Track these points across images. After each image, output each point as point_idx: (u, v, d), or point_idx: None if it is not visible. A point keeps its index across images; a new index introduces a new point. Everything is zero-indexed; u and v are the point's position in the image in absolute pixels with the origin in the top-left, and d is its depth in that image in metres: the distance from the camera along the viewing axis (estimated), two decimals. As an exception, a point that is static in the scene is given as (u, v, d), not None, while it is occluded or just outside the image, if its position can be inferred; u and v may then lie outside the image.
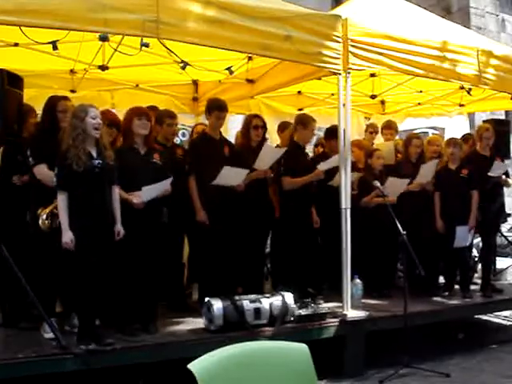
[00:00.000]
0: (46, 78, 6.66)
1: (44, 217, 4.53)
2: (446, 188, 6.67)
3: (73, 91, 6.91)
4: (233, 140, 6.73)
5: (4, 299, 5.10)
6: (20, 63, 5.88)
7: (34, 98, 5.58)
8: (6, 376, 4.02)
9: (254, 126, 6.09)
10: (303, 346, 2.28)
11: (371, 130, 8.07)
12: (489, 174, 6.75)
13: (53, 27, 4.24)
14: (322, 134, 7.48)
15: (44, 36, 4.72)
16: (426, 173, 6.65)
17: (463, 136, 7.63)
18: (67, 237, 4.24)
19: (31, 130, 5.21)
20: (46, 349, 4.32)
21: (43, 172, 4.77)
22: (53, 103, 5.00)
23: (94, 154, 4.42)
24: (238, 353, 2.19)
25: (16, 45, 5.65)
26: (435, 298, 6.58)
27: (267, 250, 6.62)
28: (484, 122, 7.81)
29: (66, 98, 5.12)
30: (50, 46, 4.78)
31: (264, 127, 6.21)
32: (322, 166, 6.07)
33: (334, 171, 6.01)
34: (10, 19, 4.04)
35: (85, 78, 6.73)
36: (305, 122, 6.28)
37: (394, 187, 6.36)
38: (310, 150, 7.26)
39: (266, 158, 5.86)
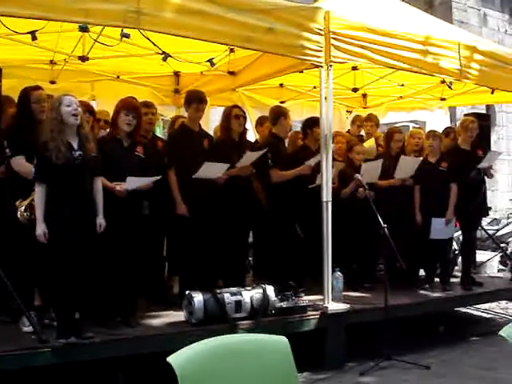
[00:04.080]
0: (25, 69, 6.60)
1: (22, 209, 4.47)
2: (425, 181, 6.69)
3: (52, 82, 6.85)
4: (213, 133, 6.70)
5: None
6: (-2, 53, 5.82)
7: (13, 88, 5.49)
8: (-16, 370, 3.98)
9: (234, 115, 6.03)
10: (283, 339, 2.28)
11: (358, 122, 8.05)
12: (481, 164, 6.78)
13: (33, 17, 4.20)
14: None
15: (23, 26, 4.67)
16: (406, 168, 6.64)
17: (445, 129, 7.66)
18: (40, 229, 4.19)
19: (8, 121, 5.13)
20: (25, 342, 4.28)
21: (21, 164, 4.71)
22: (26, 94, 4.93)
23: (75, 145, 4.35)
24: (217, 346, 2.17)
25: (-6, 35, 5.58)
26: (416, 291, 6.61)
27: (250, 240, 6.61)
28: (465, 115, 7.85)
29: (38, 88, 5.04)
30: (29, 36, 4.73)
31: (244, 117, 6.18)
32: (310, 162, 6.06)
33: (314, 174, 6.04)
34: (-10, 9, 3.99)
35: (64, 68, 6.68)
36: (282, 113, 6.29)
37: (370, 171, 6.39)
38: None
39: (248, 162, 5.87)
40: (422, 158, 6.82)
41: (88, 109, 5.37)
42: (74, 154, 4.31)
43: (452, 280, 7.05)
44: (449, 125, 8.79)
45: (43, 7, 4.04)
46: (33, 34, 4.69)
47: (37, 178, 4.28)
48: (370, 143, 7.63)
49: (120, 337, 4.56)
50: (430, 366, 5.31)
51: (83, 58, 6.08)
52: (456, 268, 7.86)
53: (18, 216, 4.48)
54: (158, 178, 4.91)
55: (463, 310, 7.69)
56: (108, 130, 5.35)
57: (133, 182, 4.72)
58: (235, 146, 5.92)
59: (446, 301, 6.67)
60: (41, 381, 4.44)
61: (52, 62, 6.74)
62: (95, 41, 5.10)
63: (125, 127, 4.88)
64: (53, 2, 4.08)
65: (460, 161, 6.78)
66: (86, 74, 7.03)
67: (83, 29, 4.59)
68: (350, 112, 9.18)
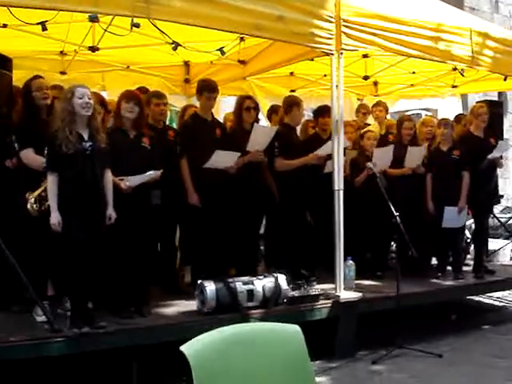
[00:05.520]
0: (35, 60, 6.63)
1: (32, 200, 4.50)
2: (437, 169, 6.67)
3: (63, 73, 6.88)
4: (222, 122, 6.68)
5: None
6: (9, 44, 5.84)
7: (23, 79, 5.48)
8: (-3, 359, 4.02)
9: (245, 107, 6.02)
10: (296, 328, 2.27)
11: (364, 110, 8.05)
12: (492, 154, 6.72)
13: (42, 8, 4.18)
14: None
15: (33, 17, 4.66)
16: (413, 157, 6.62)
17: (455, 116, 7.61)
18: (54, 218, 4.22)
19: (20, 112, 5.15)
20: (39, 332, 4.31)
21: (29, 156, 4.74)
22: (27, 85, 4.96)
23: (86, 136, 4.36)
24: (230, 334, 2.18)
25: (5, 26, 5.60)
26: (428, 280, 6.59)
27: (261, 231, 6.61)
28: (477, 103, 7.80)
29: (38, 77, 5.04)
30: (40, 26, 4.72)
31: (256, 108, 6.16)
32: (319, 152, 6.03)
33: (325, 159, 6.02)
34: (-1, 0, 3.99)
35: (75, 59, 6.69)
36: (296, 103, 6.26)
37: (382, 158, 6.37)
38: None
39: (259, 140, 5.81)
40: (425, 146, 6.82)
41: (101, 101, 5.37)
42: (84, 145, 4.32)
43: (464, 268, 7.02)
44: (461, 112, 8.73)
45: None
46: (43, 24, 4.68)
47: (48, 168, 4.32)
48: (373, 127, 7.64)
49: (133, 326, 4.58)
50: (442, 354, 5.30)
51: (93, 49, 6.10)
52: (468, 256, 7.84)
53: (28, 208, 4.51)
54: (158, 173, 4.85)
55: (475, 298, 7.67)
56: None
57: (135, 180, 4.72)
58: (247, 135, 5.89)
59: (458, 289, 6.66)
60: (54, 370, 4.47)
61: (62, 53, 6.76)
62: (105, 31, 5.08)
63: (127, 114, 4.87)
64: (62, -9, 4.07)
65: (472, 148, 6.74)
66: (96, 64, 7.04)
67: (93, 19, 4.58)
68: (361, 100, 9.14)
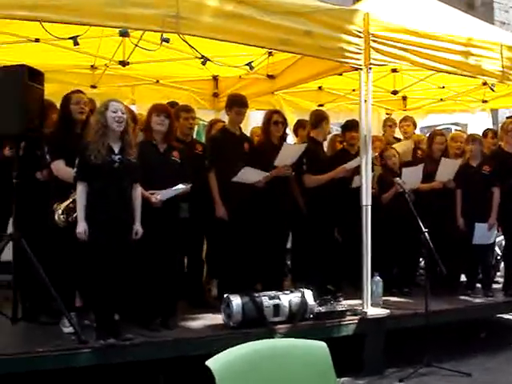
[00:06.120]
0: (66, 74, 6.74)
1: (59, 212, 4.55)
2: (467, 185, 6.59)
3: (93, 87, 6.97)
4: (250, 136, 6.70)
5: (24, 293, 5.13)
6: (41, 59, 5.95)
7: (55, 93, 5.59)
8: (25, 370, 4.05)
9: (274, 121, 6.03)
10: (322, 344, 2.26)
11: (390, 123, 8.02)
12: None
13: (72, 23, 4.26)
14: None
15: (65, 31, 4.74)
16: (447, 170, 6.56)
17: (483, 131, 7.54)
18: (81, 227, 4.28)
19: (52, 127, 5.22)
20: (66, 343, 4.33)
21: (60, 168, 4.80)
22: (66, 98, 5.03)
23: (116, 149, 4.42)
24: (256, 350, 2.17)
25: (37, 40, 5.71)
26: (457, 297, 6.50)
27: (288, 245, 6.58)
28: (508, 118, 7.71)
29: (79, 92, 5.12)
30: (71, 41, 4.80)
31: (284, 123, 6.17)
32: (347, 165, 6.01)
33: (352, 174, 6.00)
34: (31, 15, 4.07)
35: (105, 73, 6.78)
36: (324, 117, 6.25)
37: (411, 177, 6.30)
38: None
39: (287, 157, 5.81)
40: (460, 160, 6.74)
41: (131, 115, 5.43)
42: (113, 158, 4.38)
43: (494, 286, 6.92)
44: (490, 127, 8.64)
45: (82, 12, 4.11)
46: (75, 39, 4.76)
47: (78, 177, 4.38)
48: (405, 143, 7.58)
49: (159, 339, 4.59)
50: (471, 374, 5.20)
51: (124, 63, 6.18)
52: (498, 273, 7.72)
53: (56, 219, 4.57)
54: (188, 187, 4.85)
55: (506, 316, 7.53)
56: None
57: (166, 194, 4.75)
58: (275, 149, 5.89)
59: (488, 307, 6.55)
60: (81, 382, 4.49)
61: (93, 67, 6.86)
62: (135, 45, 5.15)
63: (157, 127, 4.91)
64: (91, 7, 4.14)
65: (503, 164, 6.66)
66: (126, 78, 7.13)
67: (123, 34, 4.64)
68: (390, 115, 9.10)
